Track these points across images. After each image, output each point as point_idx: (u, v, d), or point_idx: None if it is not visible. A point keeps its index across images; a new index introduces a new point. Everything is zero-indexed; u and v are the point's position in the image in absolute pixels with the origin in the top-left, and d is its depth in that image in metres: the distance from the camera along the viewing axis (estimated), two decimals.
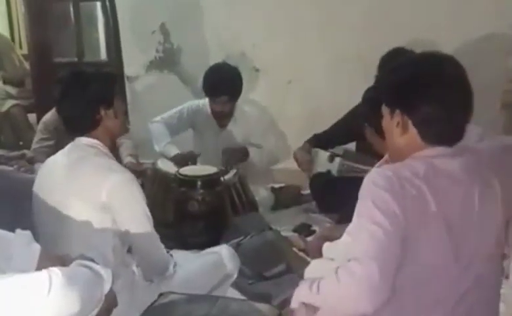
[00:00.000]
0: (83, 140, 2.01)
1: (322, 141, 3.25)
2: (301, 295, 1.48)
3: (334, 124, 3.35)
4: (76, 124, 2.02)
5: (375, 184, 1.34)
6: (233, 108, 3.48)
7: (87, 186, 1.91)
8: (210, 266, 2.26)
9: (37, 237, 2.04)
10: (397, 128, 1.43)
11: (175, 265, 2.19)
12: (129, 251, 2.10)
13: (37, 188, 2.06)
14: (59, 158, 2.06)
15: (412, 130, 1.41)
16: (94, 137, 2.01)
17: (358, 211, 1.38)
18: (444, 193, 1.34)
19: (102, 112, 2.00)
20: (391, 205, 1.29)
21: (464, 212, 1.35)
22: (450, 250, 1.33)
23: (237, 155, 3.33)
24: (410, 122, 1.41)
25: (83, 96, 1.97)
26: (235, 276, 2.34)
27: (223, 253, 2.33)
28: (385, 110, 1.48)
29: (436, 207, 1.32)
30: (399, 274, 1.31)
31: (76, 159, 1.98)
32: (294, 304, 1.50)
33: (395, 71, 1.49)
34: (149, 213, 2.02)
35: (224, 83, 3.37)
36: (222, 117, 3.50)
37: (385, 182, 1.32)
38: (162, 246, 2.13)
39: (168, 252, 2.21)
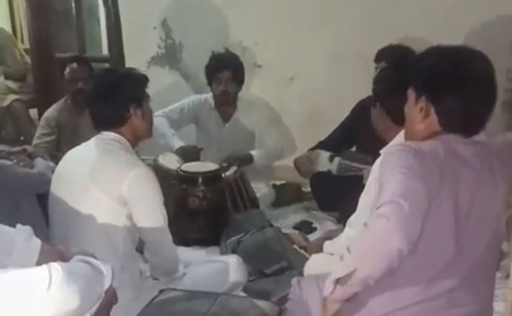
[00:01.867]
0: (109, 134, 2.09)
1: (325, 147, 3.26)
2: (333, 273, 1.37)
3: (335, 130, 3.36)
4: (105, 118, 2.10)
5: (396, 151, 1.37)
6: (236, 94, 3.49)
7: (110, 178, 1.98)
8: (216, 274, 2.29)
9: (50, 224, 2.12)
10: (419, 113, 1.47)
11: (184, 266, 2.24)
12: (137, 250, 2.15)
13: (58, 175, 2.14)
14: (84, 149, 2.13)
15: (433, 117, 1.45)
16: (119, 133, 2.09)
17: (382, 171, 1.37)
18: (458, 175, 1.37)
19: (132, 110, 2.09)
20: (414, 163, 1.31)
21: (472, 196, 1.39)
22: (453, 232, 1.36)
23: (240, 161, 3.32)
24: (432, 109, 1.45)
25: (116, 92, 2.06)
26: (242, 286, 2.36)
27: (231, 262, 2.35)
28: (411, 93, 1.51)
29: (450, 186, 1.35)
30: None
31: (102, 151, 2.05)
32: (328, 290, 1.37)
33: (426, 58, 1.50)
34: (164, 211, 2.09)
35: (226, 58, 3.48)
36: (226, 102, 3.49)
37: (406, 149, 1.36)
38: (174, 246, 2.18)
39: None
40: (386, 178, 1.34)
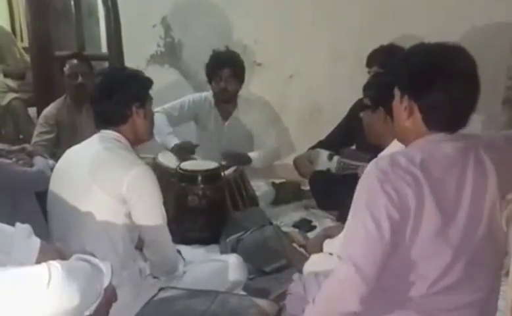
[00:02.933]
0: (109, 133, 2.09)
1: (325, 146, 3.26)
2: None
3: (334, 129, 3.36)
4: (108, 116, 2.09)
5: (371, 177, 1.38)
6: (236, 92, 3.49)
7: (110, 177, 1.98)
8: (216, 273, 2.28)
9: (49, 222, 2.11)
10: (404, 111, 1.48)
11: (184, 264, 2.23)
12: (137, 248, 2.14)
13: (57, 173, 2.13)
14: (84, 147, 2.13)
15: (417, 115, 1.46)
16: (119, 132, 2.09)
17: (353, 207, 1.42)
18: (439, 178, 1.38)
19: (134, 109, 2.09)
20: (383, 208, 1.34)
21: (458, 193, 1.39)
22: (442, 234, 1.37)
23: (237, 160, 3.32)
24: (416, 108, 1.45)
25: (120, 89, 2.07)
26: (242, 285, 2.36)
27: (231, 261, 2.35)
28: (396, 92, 1.52)
29: (431, 192, 1.35)
30: (390, 258, 1.36)
31: (102, 149, 2.04)
32: None
33: (408, 57, 1.51)
34: (163, 210, 2.08)
35: (226, 56, 3.49)
36: (225, 100, 3.49)
37: (382, 175, 1.36)
38: (174, 245, 2.18)
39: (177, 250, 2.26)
40: (352, 220, 1.41)
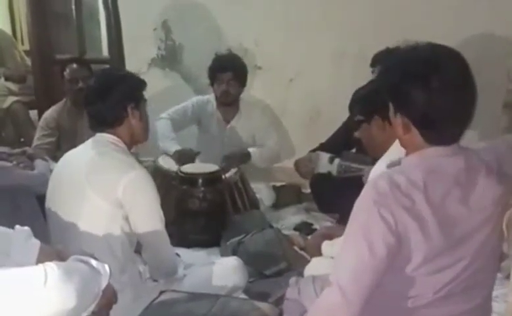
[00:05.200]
0: (105, 136, 2.08)
1: (326, 149, 3.27)
2: None
3: (335, 132, 3.36)
4: (103, 117, 2.07)
5: (368, 198, 1.32)
6: (237, 95, 3.51)
7: (106, 181, 1.97)
8: (217, 277, 2.27)
9: (48, 226, 2.11)
10: (399, 127, 1.40)
11: (184, 267, 2.22)
12: (136, 251, 2.14)
13: (54, 178, 2.13)
14: (80, 152, 2.12)
15: (415, 131, 1.38)
16: (115, 135, 2.07)
17: (348, 227, 1.37)
18: (442, 199, 1.32)
19: (129, 110, 2.07)
20: (378, 233, 1.28)
21: (461, 212, 1.34)
22: (447, 253, 1.33)
23: (238, 158, 3.34)
24: (411, 124, 1.37)
25: (114, 90, 2.05)
26: (243, 288, 2.35)
27: (231, 264, 2.34)
28: (390, 106, 1.43)
29: (433, 214, 1.30)
30: (388, 278, 1.33)
31: (97, 153, 2.04)
32: None
33: (391, 72, 1.43)
34: (161, 213, 2.07)
35: (228, 59, 3.51)
36: (227, 102, 3.50)
37: (380, 198, 1.30)
38: (172, 248, 2.17)
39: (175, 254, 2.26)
40: (346, 241, 1.36)
